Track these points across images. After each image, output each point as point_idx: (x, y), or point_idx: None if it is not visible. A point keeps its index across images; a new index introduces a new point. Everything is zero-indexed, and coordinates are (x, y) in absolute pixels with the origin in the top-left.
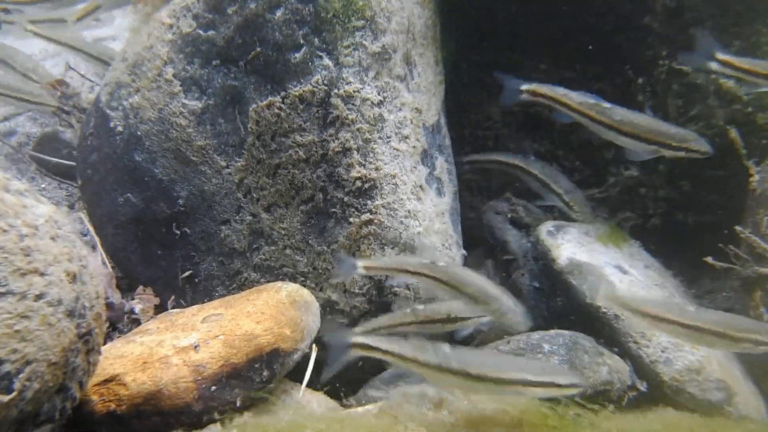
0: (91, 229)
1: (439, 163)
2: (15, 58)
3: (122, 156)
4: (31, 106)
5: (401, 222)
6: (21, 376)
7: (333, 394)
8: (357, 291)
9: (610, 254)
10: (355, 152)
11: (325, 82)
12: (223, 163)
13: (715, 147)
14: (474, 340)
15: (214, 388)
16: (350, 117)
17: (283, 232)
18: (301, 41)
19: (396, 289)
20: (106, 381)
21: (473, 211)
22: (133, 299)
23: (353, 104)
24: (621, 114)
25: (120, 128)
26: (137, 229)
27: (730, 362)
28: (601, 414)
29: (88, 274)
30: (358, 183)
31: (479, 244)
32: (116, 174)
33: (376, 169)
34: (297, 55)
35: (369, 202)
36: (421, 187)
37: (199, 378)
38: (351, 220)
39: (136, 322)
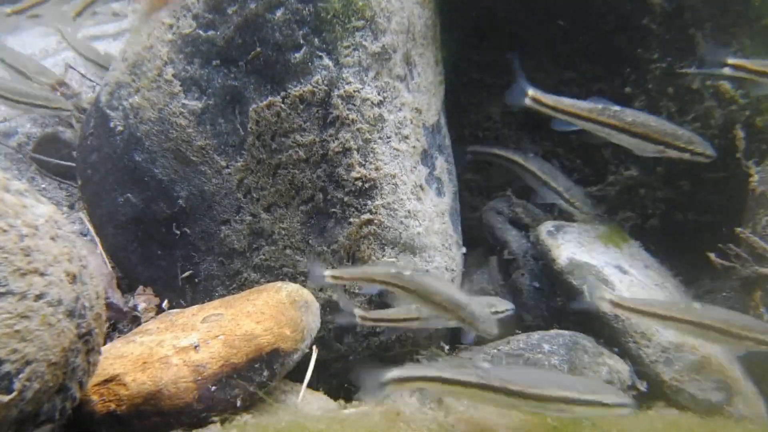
0: (92, 229)
1: (439, 163)
2: (25, 64)
3: (122, 156)
4: (49, 112)
5: (401, 222)
6: (21, 376)
7: (333, 395)
8: (357, 290)
9: (610, 254)
10: (355, 152)
11: (325, 82)
12: (223, 163)
13: (715, 149)
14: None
15: (214, 388)
16: (350, 117)
17: (283, 232)
18: (301, 41)
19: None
20: (106, 381)
21: (473, 211)
22: (134, 297)
23: (353, 104)
24: (632, 116)
25: (120, 128)
26: (137, 229)
27: (730, 362)
28: None
29: (88, 275)
30: (358, 183)
31: (479, 244)
32: (116, 174)
33: (376, 169)
34: (297, 55)
35: (369, 202)
36: (421, 187)
37: (199, 378)
38: (351, 220)
39: (136, 322)
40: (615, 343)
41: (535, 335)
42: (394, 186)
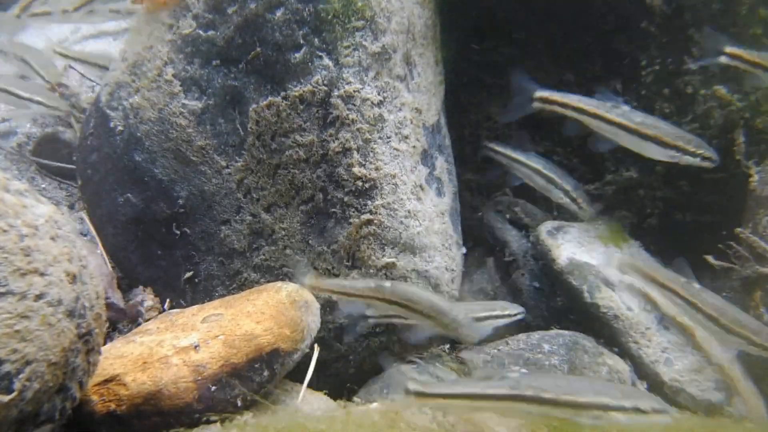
0: (92, 228)
1: (439, 163)
2: (33, 57)
3: (122, 156)
4: (44, 110)
5: (401, 222)
6: (21, 376)
7: (333, 395)
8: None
9: (610, 254)
10: (355, 152)
11: (325, 82)
12: (223, 163)
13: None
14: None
15: (214, 388)
16: (350, 117)
17: (283, 232)
18: (301, 41)
19: None
20: (106, 381)
21: (473, 211)
22: (139, 297)
23: (353, 104)
24: (641, 117)
25: (120, 128)
26: (137, 229)
27: (730, 362)
28: None
29: (88, 274)
30: (358, 183)
31: (479, 244)
32: (116, 174)
33: (376, 169)
34: (297, 55)
35: (369, 202)
36: (421, 187)
37: (199, 378)
38: (351, 220)
39: (136, 322)
40: (615, 343)
41: (535, 335)
42: (394, 186)
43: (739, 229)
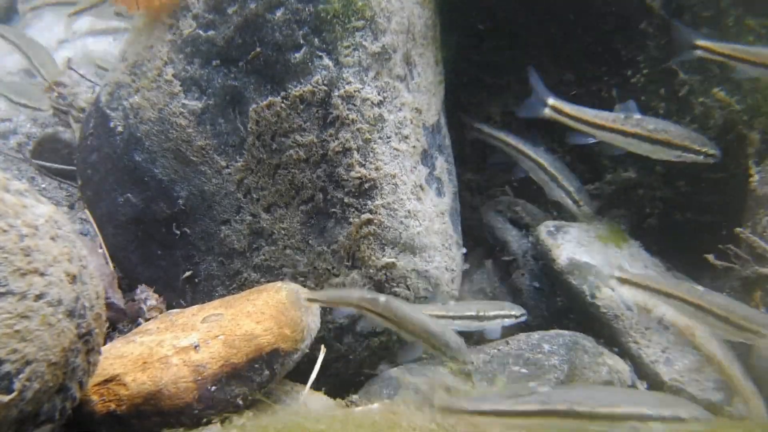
0: (95, 228)
1: (439, 163)
2: (34, 50)
3: (122, 156)
4: (28, 111)
5: (401, 222)
6: (21, 376)
7: (333, 394)
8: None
9: (610, 254)
10: (355, 152)
11: (325, 82)
12: (223, 163)
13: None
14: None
15: (214, 388)
16: (350, 117)
17: (283, 232)
18: (301, 41)
19: (396, 289)
20: (106, 381)
21: (473, 211)
22: (144, 294)
23: (353, 104)
24: (653, 123)
25: (120, 128)
26: (137, 229)
27: (731, 362)
28: None
29: (88, 275)
30: (358, 183)
31: (479, 244)
32: (116, 174)
33: (376, 169)
34: (297, 55)
35: (369, 202)
36: (421, 187)
37: (199, 378)
38: (351, 220)
39: (136, 321)
40: (615, 343)
41: (535, 335)
42: (394, 186)
43: (738, 229)
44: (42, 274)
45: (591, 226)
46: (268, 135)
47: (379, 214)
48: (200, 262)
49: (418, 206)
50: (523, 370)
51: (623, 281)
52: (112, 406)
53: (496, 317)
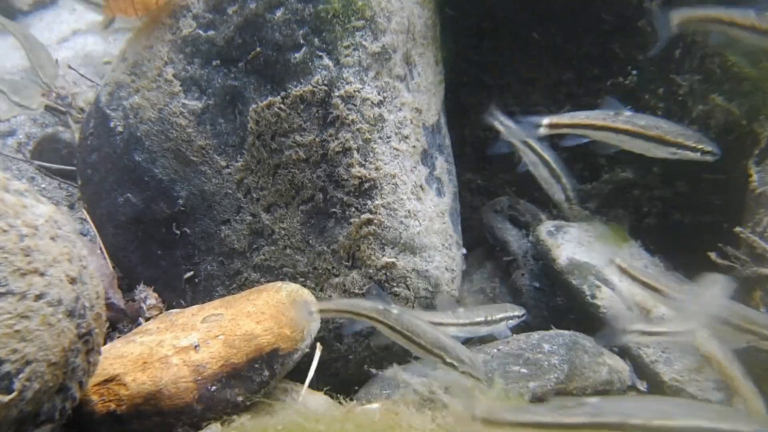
0: (94, 228)
1: (439, 163)
2: (34, 50)
3: (122, 156)
4: (18, 110)
5: (401, 222)
6: (21, 376)
7: (333, 394)
8: (357, 291)
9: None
10: (355, 152)
11: (325, 82)
12: (223, 163)
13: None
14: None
15: (214, 388)
16: (350, 117)
17: (283, 232)
18: (301, 41)
19: (395, 289)
20: (106, 381)
21: (473, 211)
22: (143, 293)
23: (353, 104)
24: (645, 119)
25: (120, 128)
26: (137, 229)
27: (730, 362)
28: None
29: (88, 275)
30: (358, 183)
31: (479, 244)
32: (116, 174)
33: (376, 169)
34: (297, 55)
35: (369, 201)
36: (421, 187)
37: (199, 378)
38: (351, 220)
39: (136, 321)
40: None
41: (535, 335)
42: (394, 186)
43: (738, 229)
44: (42, 274)
45: (591, 226)
46: (268, 135)
47: (379, 214)
48: (200, 262)
49: (418, 206)
50: (523, 370)
51: (622, 270)
52: (112, 406)
53: (502, 320)
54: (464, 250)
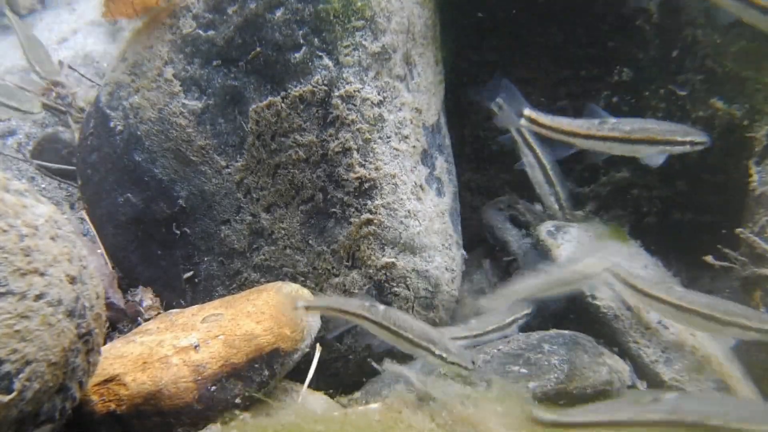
0: (93, 228)
1: (439, 163)
2: (33, 48)
3: (122, 156)
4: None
5: (401, 222)
6: (21, 376)
7: (333, 394)
8: (357, 291)
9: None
10: (355, 152)
11: (325, 82)
12: (223, 163)
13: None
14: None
15: (214, 388)
16: (350, 117)
17: (283, 232)
18: (301, 41)
19: (395, 289)
20: (106, 381)
21: (473, 211)
22: (138, 296)
23: (353, 104)
24: (629, 123)
25: (120, 128)
26: (137, 229)
27: (730, 362)
28: None
29: (88, 275)
30: (358, 183)
31: (479, 244)
32: (116, 174)
33: (376, 169)
34: (297, 55)
35: (369, 202)
36: (421, 187)
37: (199, 378)
38: (351, 220)
39: (136, 321)
40: (615, 343)
41: (535, 335)
42: (394, 186)
43: (738, 229)
44: (42, 274)
45: (591, 226)
46: (268, 135)
47: (379, 214)
48: (200, 262)
49: (418, 206)
50: (523, 370)
51: (617, 276)
52: (112, 406)
53: (513, 323)
54: (465, 254)
